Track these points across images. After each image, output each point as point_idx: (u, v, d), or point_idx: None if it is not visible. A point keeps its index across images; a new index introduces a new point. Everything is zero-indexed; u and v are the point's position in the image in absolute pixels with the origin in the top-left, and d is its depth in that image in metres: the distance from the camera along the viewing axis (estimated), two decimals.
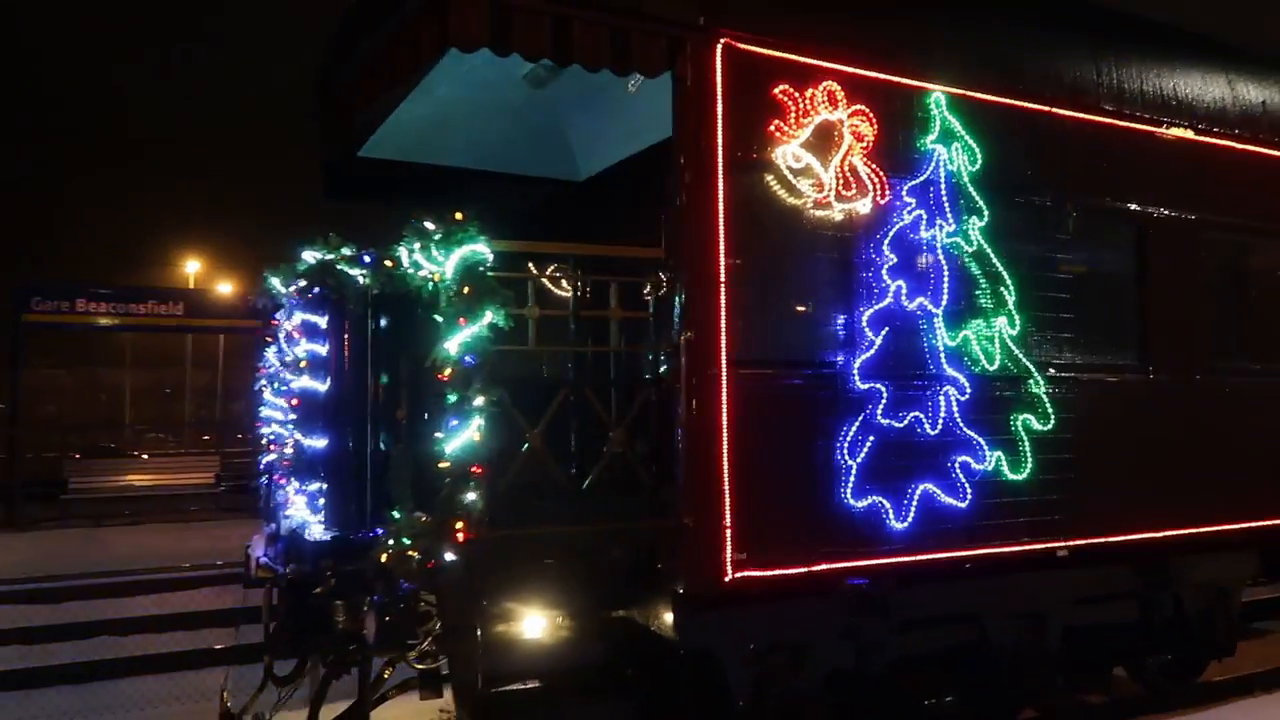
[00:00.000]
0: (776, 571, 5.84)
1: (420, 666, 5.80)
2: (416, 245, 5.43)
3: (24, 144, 60.93)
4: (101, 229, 62.41)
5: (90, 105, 73.31)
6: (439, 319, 5.21)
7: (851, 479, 6.09)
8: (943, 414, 6.48)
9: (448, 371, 5.13)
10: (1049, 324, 7.05)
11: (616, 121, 8.23)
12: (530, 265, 6.51)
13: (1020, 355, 6.84)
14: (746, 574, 5.70)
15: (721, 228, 5.74)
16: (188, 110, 77.19)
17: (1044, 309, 7.02)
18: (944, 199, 6.57)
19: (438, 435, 5.18)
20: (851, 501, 6.09)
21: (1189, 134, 7.88)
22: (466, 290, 5.17)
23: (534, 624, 5.63)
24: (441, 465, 5.11)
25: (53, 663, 10.13)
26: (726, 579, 5.65)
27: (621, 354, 6.66)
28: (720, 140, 5.78)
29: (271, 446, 6.71)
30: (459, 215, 5.24)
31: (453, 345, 5.15)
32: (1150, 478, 7.47)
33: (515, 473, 5.55)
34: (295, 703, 6.49)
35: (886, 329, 6.30)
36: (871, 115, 6.28)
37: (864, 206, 6.26)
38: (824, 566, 6.02)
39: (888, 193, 6.34)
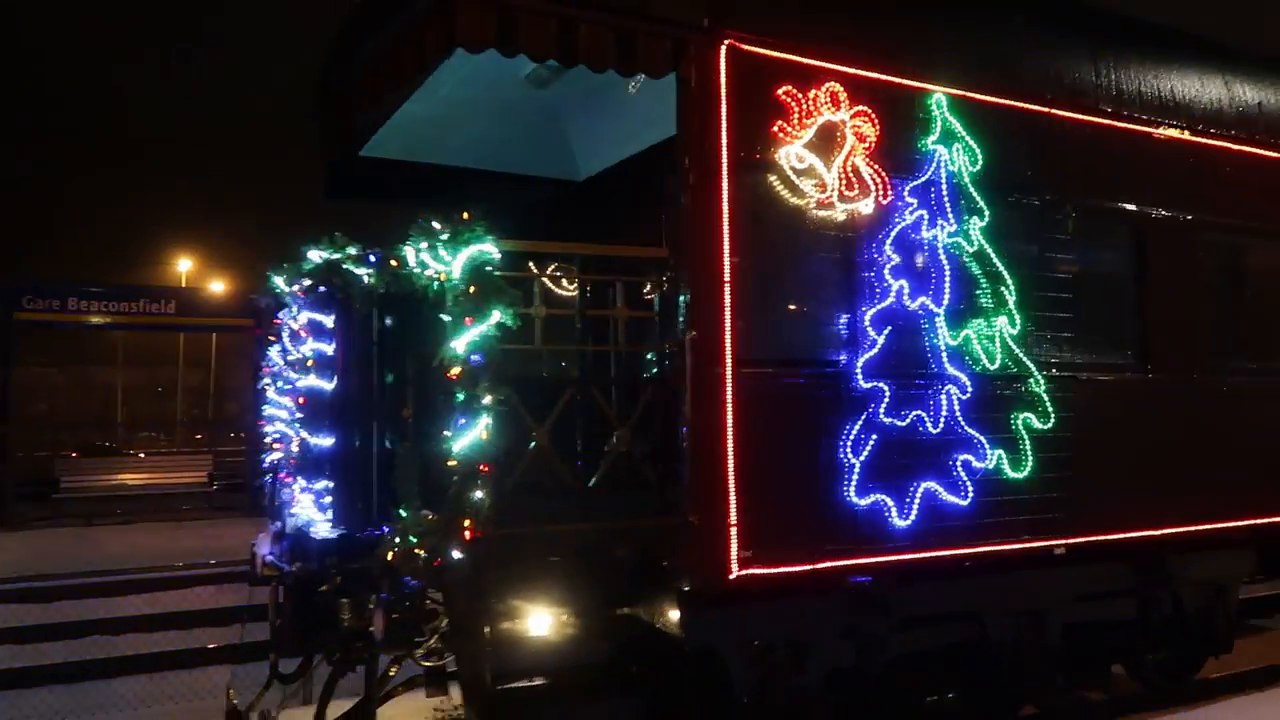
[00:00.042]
0: (781, 569, 5.87)
1: (427, 664, 5.83)
2: (423, 245, 5.45)
3: (20, 144, 60.90)
4: (94, 228, 62.31)
5: (87, 105, 73.22)
6: (446, 318, 5.23)
7: (854, 477, 6.12)
8: (944, 413, 6.52)
9: (456, 370, 5.15)
10: (1049, 323, 7.10)
11: (616, 122, 8.26)
12: (530, 264, 6.53)
13: (1021, 354, 6.88)
14: (751, 572, 5.73)
15: (726, 228, 5.77)
16: (183, 110, 77.06)
17: (1044, 309, 7.07)
18: (945, 199, 6.61)
19: (445, 434, 5.20)
20: (854, 499, 6.12)
21: (1187, 135, 7.94)
22: (473, 290, 5.19)
23: (540, 622, 5.66)
24: (449, 464, 5.13)
25: (44, 662, 10.13)
26: (731, 576, 5.68)
27: (623, 353, 6.69)
28: (724, 141, 5.81)
29: (276, 445, 6.72)
30: (466, 215, 5.25)
31: (460, 344, 5.17)
32: (1149, 476, 7.53)
33: (522, 471, 5.56)
34: (300, 700, 6.50)
35: (889, 328, 6.34)
36: (874, 116, 6.32)
37: (866, 207, 6.30)
38: (827, 564, 6.06)
39: (890, 193, 6.38)
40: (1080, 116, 7.36)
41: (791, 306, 6.26)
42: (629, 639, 5.92)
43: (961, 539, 6.59)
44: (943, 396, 6.53)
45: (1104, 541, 7.25)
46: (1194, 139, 7.98)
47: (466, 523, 5.06)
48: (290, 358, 6.54)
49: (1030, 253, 7.07)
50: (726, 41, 5.84)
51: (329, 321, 5.99)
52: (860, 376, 6.22)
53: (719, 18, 5.83)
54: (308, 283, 6.13)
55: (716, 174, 5.78)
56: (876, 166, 6.31)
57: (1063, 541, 7.04)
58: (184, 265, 47.66)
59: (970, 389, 6.62)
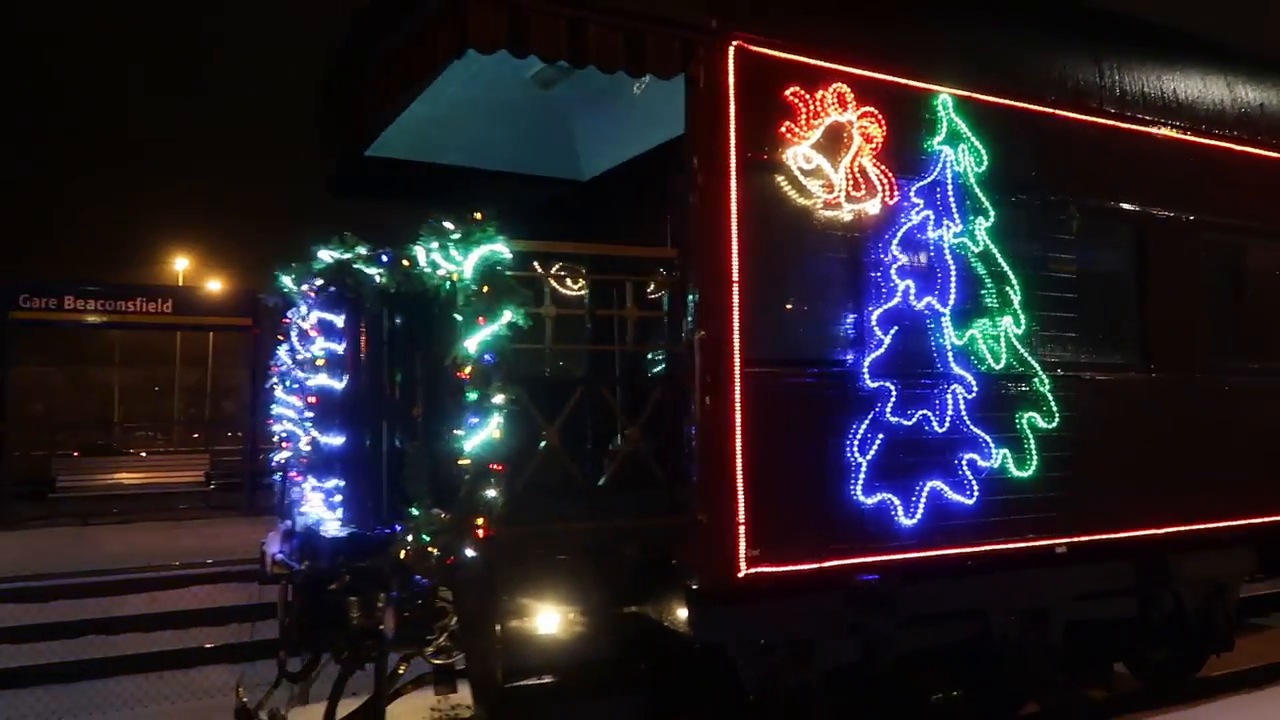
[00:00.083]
0: (788, 567, 5.91)
1: (437, 661, 5.85)
2: (434, 244, 5.47)
3: (18, 143, 60.77)
4: (91, 227, 62.18)
5: (85, 104, 73.05)
6: (458, 318, 5.25)
7: (861, 476, 6.17)
8: (950, 412, 6.56)
9: (468, 370, 5.18)
10: (1053, 323, 7.15)
11: (621, 122, 8.28)
12: (535, 264, 6.55)
13: (1025, 354, 6.93)
14: (759, 570, 5.77)
15: (734, 228, 5.81)
16: (182, 110, 76.94)
17: (1048, 308, 7.12)
18: (951, 200, 6.66)
19: (456, 433, 5.22)
20: (861, 498, 6.17)
21: (1189, 136, 7.99)
22: (486, 289, 5.21)
23: (548, 619, 5.69)
24: (461, 462, 5.15)
25: (41, 661, 10.12)
26: (740, 575, 5.72)
27: (627, 353, 6.71)
28: (733, 141, 5.85)
29: (285, 444, 6.74)
30: (479, 215, 5.28)
31: (472, 344, 5.20)
32: (1151, 475, 7.58)
33: (533, 470, 5.59)
34: (309, 698, 6.51)
35: (895, 328, 6.38)
36: (880, 117, 6.37)
37: (873, 207, 6.34)
38: (834, 562, 6.10)
39: (896, 193, 6.42)
40: (1084, 117, 7.42)
41: (799, 306, 6.31)
42: (636, 637, 5.96)
43: (967, 537, 6.64)
44: (948, 396, 6.57)
45: (1106, 540, 7.30)
46: (1196, 140, 8.04)
47: (479, 521, 5.08)
48: (299, 357, 6.56)
49: (1034, 253, 7.12)
50: (735, 43, 5.88)
51: (340, 321, 6.01)
52: (867, 376, 6.26)
53: (727, 19, 5.87)
54: (319, 282, 6.14)
55: (725, 174, 5.82)
56: (883, 167, 6.36)
57: (1066, 540, 7.09)
58: (181, 264, 47.64)
59: (975, 388, 6.67)
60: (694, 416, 5.74)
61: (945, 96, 6.68)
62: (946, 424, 6.55)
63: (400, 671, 6.38)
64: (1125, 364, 7.67)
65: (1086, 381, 7.28)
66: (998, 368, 6.81)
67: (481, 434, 5.14)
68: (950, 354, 6.61)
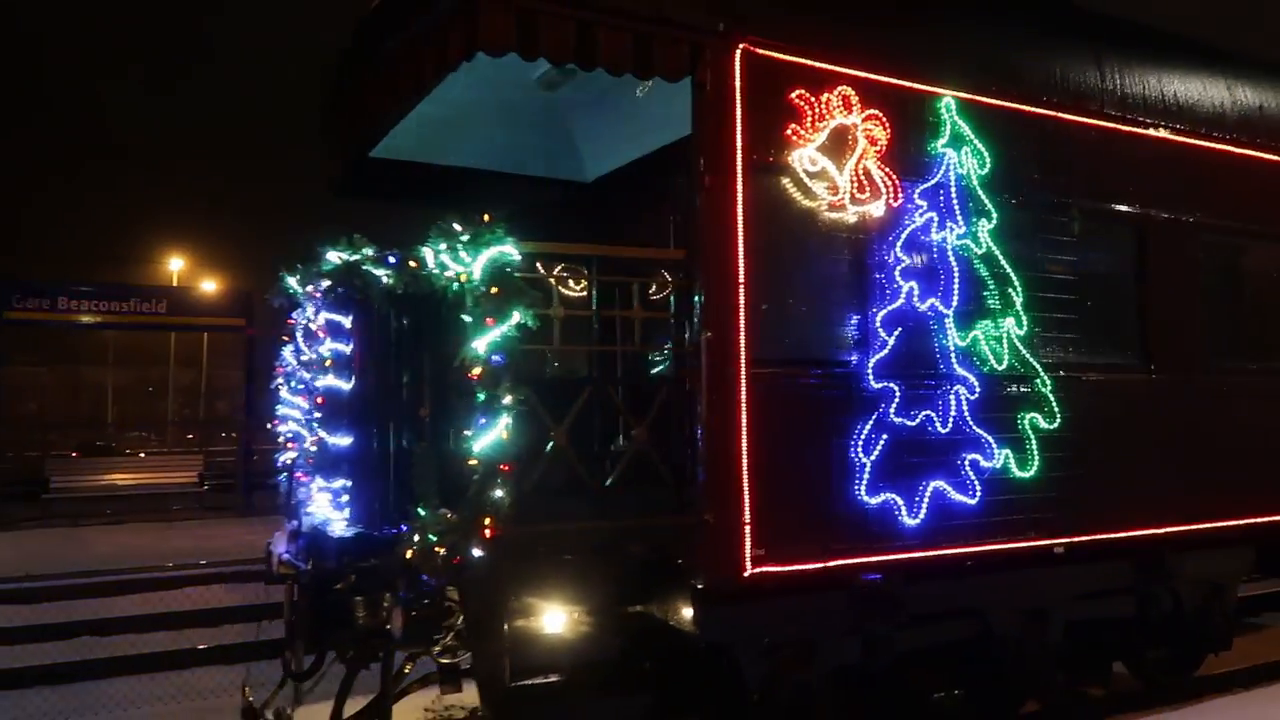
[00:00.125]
0: (793, 567, 5.95)
1: (444, 661, 5.87)
2: (442, 246, 5.49)
3: (12, 142, 60.58)
4: (86, 227, 62.04)
5: (81, 103, 72.88)
6: (467, 319, 5.28)
7: (865, 476, 6.20)
8: (953, 413, 6.60)
9: (477, 370, 5.20)
10: (1054, 324, 7.19)
11: (624, 125, 8.31)
12: (538, 265, 6.58)
13: (1027, 355, 6.97)
14: (765, 569, 5.81)
15: (740, 230, 5.84)
16: (177, 110, 76.81)
17: (1049, 310, 7.16)
18: (954, 202, 6.70)
19: (466, 433, 5.25)
20: (865, 498, 6.20)
21: (1189, 138, 8.05)
22: (495, 291, 5.23)
23: (554, 619, 5.72)
24: (470, 462, 5.18)
25: (34, 663, 10.06)
26: (745, 574, 5.75)
27: (629, 353, 6.75)
28: (739, 144, 5.89)
29: (290, 444, 6.76)
30: (487, 217, 5.30)
31: (481, 345, 5.22)
32: (1150, 475, 7.63)
33: (542, 470, 5.61)
34: (314, 698, 6.53)
35: (899, 329, 6.42)
36: (885, 119, 6.41)
37: (877, 209, 6.38)
38: (838, 562, 6.13)
39: (900, 195, 6.47)
40: (1085, 120, 7.47)
41: (804, 308, 6.33)
42: (642, 636, 5.99)
43: (968, 537, 6.68)
44: (951, 397, 6.61)
45: (1106, 540, 7.35)
46: (1196, 142, 8.10)
47: (487, 521, 5.11)
48: (304, 358, 6.58)
49: (1036, 254, 7.17)
50: (741, 46, 5.92)
51: (347, 322, 6.03)
52: (871, 377, 6.30)
53: (734, 22, 5.91)
54: (326, 284, 6.16)
55: (731, 176, 5.86)
56: (887, 169, 6.40)
57: (1066, 540, 7.13)
58: (175, 265, 47.55)
59: (978, 389, 6.71)
60: (700, 417, 5.77)
61: (949, 99, 6.73)
62: (949, 424, 6.59)
63: (406, 671, 6.39)
64: (1125, 365, 7.72)
65: (1087, 382, 7.33)
66: (1000, 369, 6.85)
67: (490, 434, 5.17)
68: (953, 355, 6.66)
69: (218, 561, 15.48)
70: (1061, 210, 7.31)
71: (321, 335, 6.14)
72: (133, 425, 39.85)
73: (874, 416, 6.28)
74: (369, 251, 6.06)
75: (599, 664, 5.85)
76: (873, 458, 6.24)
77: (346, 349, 6.05)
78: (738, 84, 5.90)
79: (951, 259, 6.68)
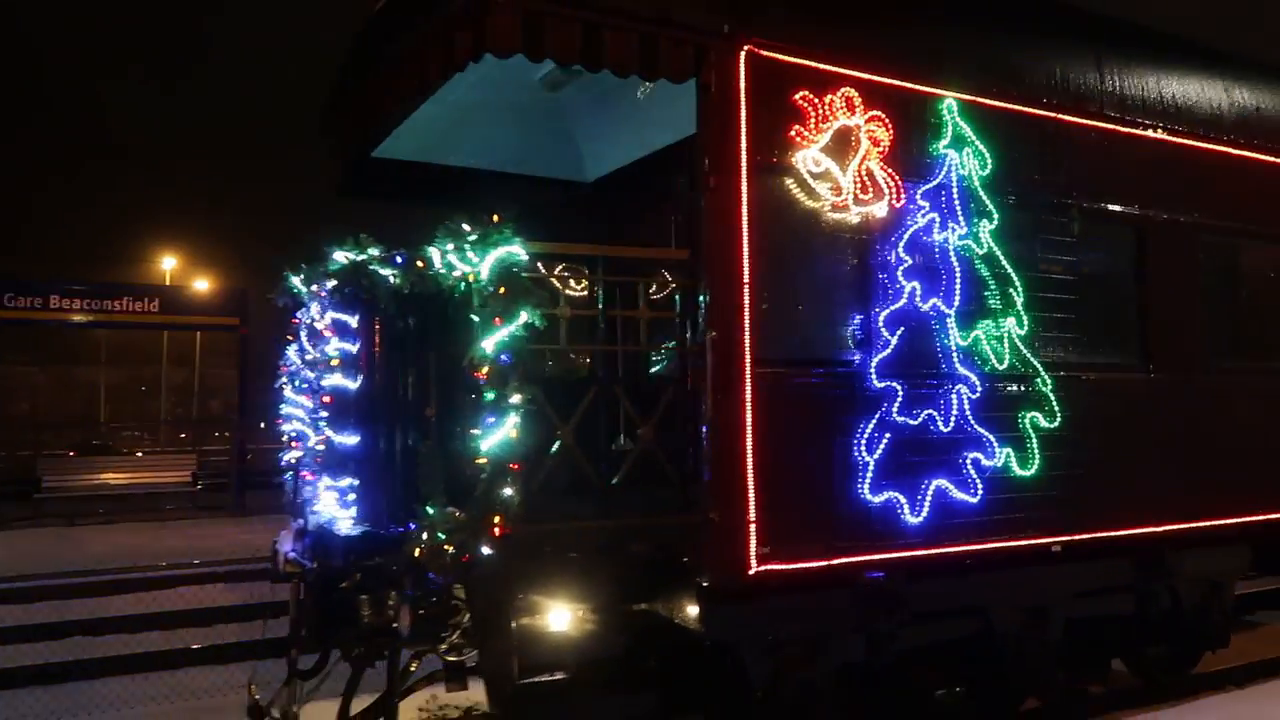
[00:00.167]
0: (798, 565, 5.99)
1: (451, 658, 5.89)
2: (450, 245, 5.52)
3: (7, 141, 60.40)
4: (78, 226, 61.80)
5: (77, 103, 72.59)
6: (475, 318, 5.30)
7: (869, 475, 6.24)
8: (955, 412, 6.65)
9: (485, 370, 5.22)
10: (1055, 324, 7.24)
11: (626, 125, 8.34)
12: (539, 265, 6.61)
13: (1028, 354, 7.02)
14: (769, 567, 5.84)
15: (745, 230, 5.87)
16: (173, 109, 76.55)
17: (1050, 309, 7.21)
18: (956, 202, 6.75)
19: (474, 432, 5.27)
20: (869, 497, 6.24)
21: (1188, 139, 8.10)
22: (502, 290, 5.26)
23: (560, 617, 5.74)
24: (478, 461, 5.20)
25: (26, 663, 10.06)
26: (750, 572, 5.78)
27: (631, 353, 6.77)
28: (744, 144, 5.91)
29: (295, 444, 6.78)
30: (496, 217, 5.33)
31: (489, 344, 5.25)
32: (1149, 474, 7.68)
33: (550, 470, 5.64)
34: (319, 696, 6.56)
35: (902, 329, 6.46)
36: (887, 120, 6.44)
37: (880, 210, 6.41)
38: (842, 560, 6.17)
39: (903, 196, 6.50)
40: (1085, 121, 7.52)
41: (808, 307, 6.36)
42: (647, 633, 6.01)
43: (970, 535, 6.72)
44: (953, 396, 6.66)
45: (1106, 538, 7.40)
46: (1195, 143, 8.16)
47: (497, 519, 5.13)
48: (308, 357, 6.60)
49: (1037, 255, 7.22)
50: (746, 47, 5.95)
51: (354, 321, 6.05)
52: (874, 376, 6.34)
53: (739, 24, 5.93)
54: (333, 283, 6.18)
55: (736, 177, 5.88)
56: (890, 170, 6.44)
57: (1067, 538, 7.18)
58: (168, 264, 47.45)
59: (980, 388, 6.75)
60: (705, 416, 5.80)
61: (950, 100, 6.77)
62: (951, 424, 6.63)
63: (412, 669, 6.41)
64: (1125, 364, 7.77)
65: (1087, 382, 7.38)
66: (1001, 368, 6.89)
67: (499, 433, 5.19)
68: (955, 354, 6.70)
69: (211, 561, 15.50)
70: (1062, 211, 7.36)
71: (327, 334, 6.16)
72: (126, 424, 39.74)
73: (877, 415, 6.31)
74: (375, 251, 6.08)
75: (604, 662, 5.87)
76: (876, 456, 6.28)
77: (353, 348, 6.08)
78: (742, 85, 5.93)
79: (953, 259, 6.72)
